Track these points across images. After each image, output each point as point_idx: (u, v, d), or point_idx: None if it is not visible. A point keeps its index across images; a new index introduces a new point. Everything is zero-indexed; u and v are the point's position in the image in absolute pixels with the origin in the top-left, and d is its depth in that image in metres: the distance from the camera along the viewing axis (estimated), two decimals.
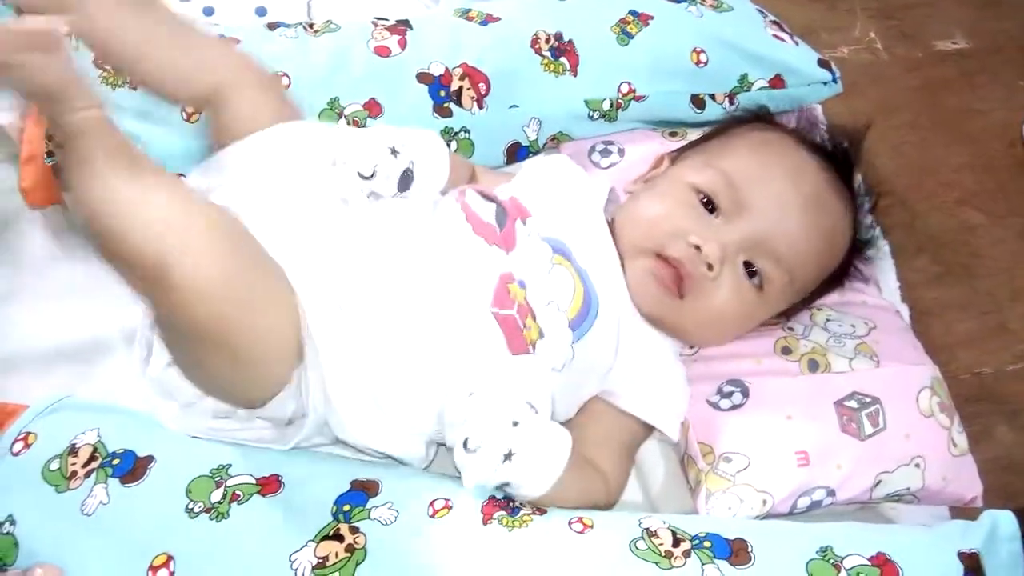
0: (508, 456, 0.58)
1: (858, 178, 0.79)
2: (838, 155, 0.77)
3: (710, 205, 0.71)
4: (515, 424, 0.59)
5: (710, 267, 0.69)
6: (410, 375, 0.63)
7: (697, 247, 0.68)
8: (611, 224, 0.74)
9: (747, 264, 0.70)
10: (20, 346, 0.73)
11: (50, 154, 0.78)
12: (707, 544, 0.58)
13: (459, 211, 0.70)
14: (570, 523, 0.59)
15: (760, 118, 0.81)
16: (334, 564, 0.56)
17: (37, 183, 0.78)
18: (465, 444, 0.59)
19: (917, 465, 0.71)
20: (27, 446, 0.63)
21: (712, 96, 0.89)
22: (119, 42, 0.69)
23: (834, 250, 0.75)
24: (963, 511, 0.75)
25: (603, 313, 0.68)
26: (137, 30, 0.68)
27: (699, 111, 0.89)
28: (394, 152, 0.69)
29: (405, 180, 0.69)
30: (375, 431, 0.63)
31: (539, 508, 0.61)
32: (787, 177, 0.72)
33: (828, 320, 0.79)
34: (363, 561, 0.56)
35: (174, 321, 0.57)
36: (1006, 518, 0.61)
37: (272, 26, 0.88)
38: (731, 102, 0.89)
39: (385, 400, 0.63)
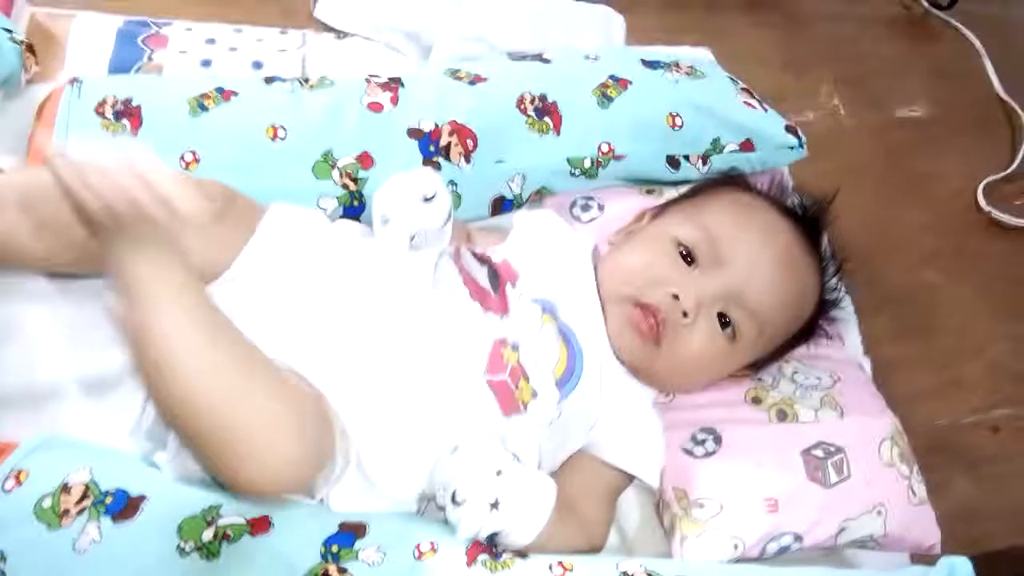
0: (495, 505, 0.61)
1: (825, 241, 0.84)
2: (807, 218, 0.82)
3: (689, 257, 0.75)
4: (499, 473, 0.62)
5: (685, 315, 0.73)
6: (403, 442, 0.66)
7: (675, 296, 0.73)
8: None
9: (721, 315, 0.74)
10: (13, 384, 0.74)
11: None
12: None
13: (457, 274, 0.73)
14: (550, 566, 0.61)
15: (737, 181, 0.87)
16: None
17: None
18: (453, 497, 0.61)
19: (879, 512, 0.75)
20: (19, 483, 0.64)
21: (687, 157, 0.94)
22: None
23: (802, 306, 0.79)
24: (922, 558, 0.78)
25: (587, 369, 0.72)
26: None
27: (674, 171, 0.94)
28: (427, 200, 0.72)
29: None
30: (366, 501, 0.65)
31: (519, 552, 0.64)
32: (761, 236, 0.77)
33: (795, 372, 0.83)
34: None
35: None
36: (962, 564, 0.64)
37: (269, 80, 0.91)
38: (704, 163, 0.95)
39: (376, 470, 0.65)
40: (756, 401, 0.79)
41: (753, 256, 0.75)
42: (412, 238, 0.72)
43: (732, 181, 0.87)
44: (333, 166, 0.85)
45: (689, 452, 0.75)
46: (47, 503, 0.63)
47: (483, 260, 0.75)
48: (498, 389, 0.68)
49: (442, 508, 0.63)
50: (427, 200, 0.72)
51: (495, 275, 0.74)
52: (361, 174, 0.86)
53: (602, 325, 0.75)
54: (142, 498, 0.63)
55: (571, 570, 0.61)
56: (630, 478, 0.75)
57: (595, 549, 0.70)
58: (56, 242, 0.68)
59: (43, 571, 0.59)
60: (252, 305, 0.68)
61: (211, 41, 1.03)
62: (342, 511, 0.64)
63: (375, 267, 0.73)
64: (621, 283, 0.75)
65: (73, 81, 0.88)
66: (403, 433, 0.66)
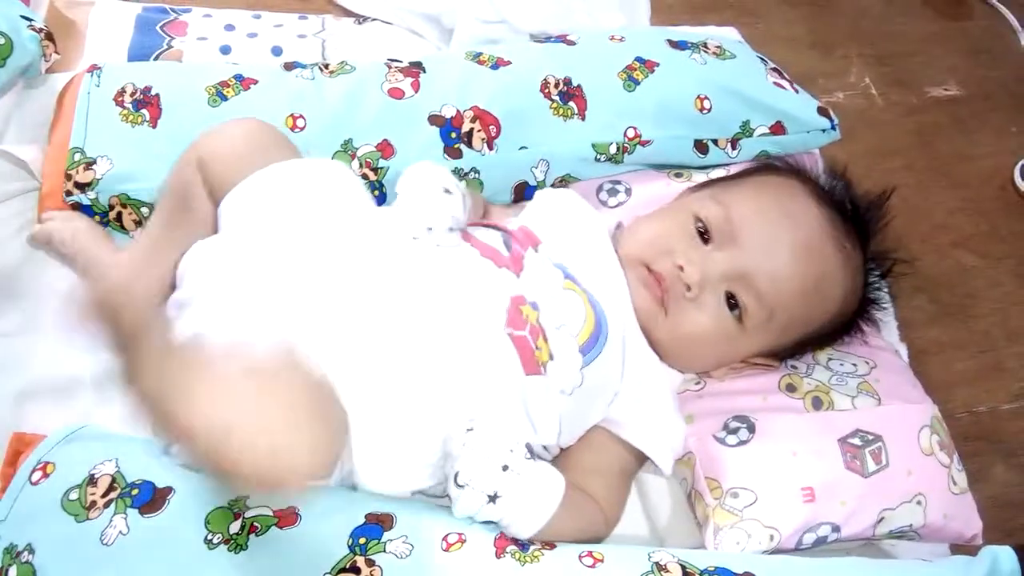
0: (493, 498, 0.61)
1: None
2: (852, 214, 0.79)
3: (706, 234, 0.74)
4: (504, 468, 0.61)
5: (689, 288, 0.71)
6: (426, 400, 0.65)
7: (680, 267, 0.71)
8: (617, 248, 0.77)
9: (730, 296, 0.73)
10: (38, 376, 0.74)
11: (68, 193, 0.80)
12: None
13: (461, 241, 0.72)
14: (580, 557, 0.60)
15: (787, 167, 0.84)
16: None
17: None
18: (456, 478, 0.61)
19: (919, 502, 0.72)
20: (45, 475, 0.64)
21: (715, 141, 0.92)
22: None
23: (824, 299, 0.76)
24: (962, 548, 0.76)
25: (611, 339, 0.70)
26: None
27: (702, 156, 0.92)
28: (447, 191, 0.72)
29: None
30: (392, 473, 0.64)
31: (548, 544, 0.62)
32: (784, 221, 0.74)
33: (830, 359, 0.81)
34: None
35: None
36: (1006, 554, 0.62)
37: (288, 66, 0.90)
38: (734, 147, 0.92)
39: (399, 432, 0.64)
40: (791, 389, 0.77)
41: (769, 239, 0.73)
42: (429, 229, 0.70)
43: (777, 166, 0.84)
44: (353, 155, 0.84)
45: (721, 441, 0.74)
46: (74, 495, 0.62)
47: (494, 227, 0.75)
48: (519, 344, 0.66)
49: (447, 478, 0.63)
50: (447, 193, 0.72)
51: (508, 237, 0.73)
52: (381, 163, 0.85)
53: (627, 294, 0.74)
54: (169, 490, 0.62)
55: (602, 561, 0.60)
56: (642, 460, 0.73)
57: (607, 532, 0.68)
58: None
59: (71, 564, 0.59)
60: (258, 267, 0.67)
61: (230, 27, 1.02)
62: (367, 488, 0.63)
63: (377, 228, 0.72)
64: (635, 249, 0.76)
65: (93, 69, 0.87)
66: (426, 390, 0.64)
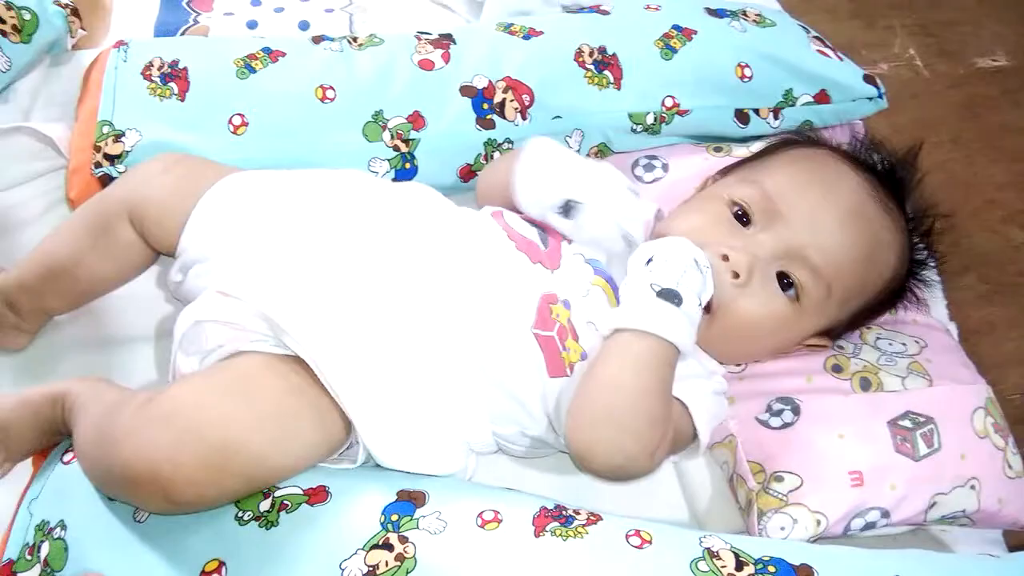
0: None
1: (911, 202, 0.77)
2: (887, 174, 0.76)
3: (744, 218, 0.70)
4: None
5: (736, 275, 0.67)
6: (449, 390, 0.64)
7: (725, 256, 0.68)
8: None
9: (782, 276, 0.69)
10: (78, 357, 0.74)
11: (97, 165, 0.79)
12: (771, 569, 0.56)
13: (500, 230, 0.69)
14: (627, 536, 0.58)
15: (806, 138, 0.81)
16: (384, 572, 0.55)
17: (84, 193, 0.79)
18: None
19: (972, 487, 0.69)
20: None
21: (756, 111, 0.88)
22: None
23: (878, 264, 0.73)
24: (1016, 534, 0.73)
25: None
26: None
27: (743, 126, 0.89)
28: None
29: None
30: (413, 453, 0.63)
31: (593, 516, 0.60)
32: (823, 188, 0.71)
33: (878, 339, 0.77)
34: (413, 570, 0.55)
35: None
36: None
37: (317, 39, 0.89)
38: (776, 117, 0.89)
39: (421, 417, 0.63)
40: (837, 369, 0.74)
41: (813, 208, 0.69)
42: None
43: (798, 139, 0.81)
44: (384, 127, 0.82)
45: (764, 423, 0.71)
46: None
47: (531, 220, 0.72)
48: (545, 345, 0.64)
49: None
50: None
51: (545, 232, 0.70)
52: (412, 135, 0.83)
53: None
54: None
55: (650, 543, 0.57)
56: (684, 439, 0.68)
57: (654, 464, 0.62)
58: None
59: (104, 539, 0.58)
60: (281, 237, 0.66)
61: (256, 2, 1.01)
62: (391, 466, 0.62)
63: (408, 216, 0.70)
64: None
65: (119, 44, 0.86)
66: (447, 383, 0.63)
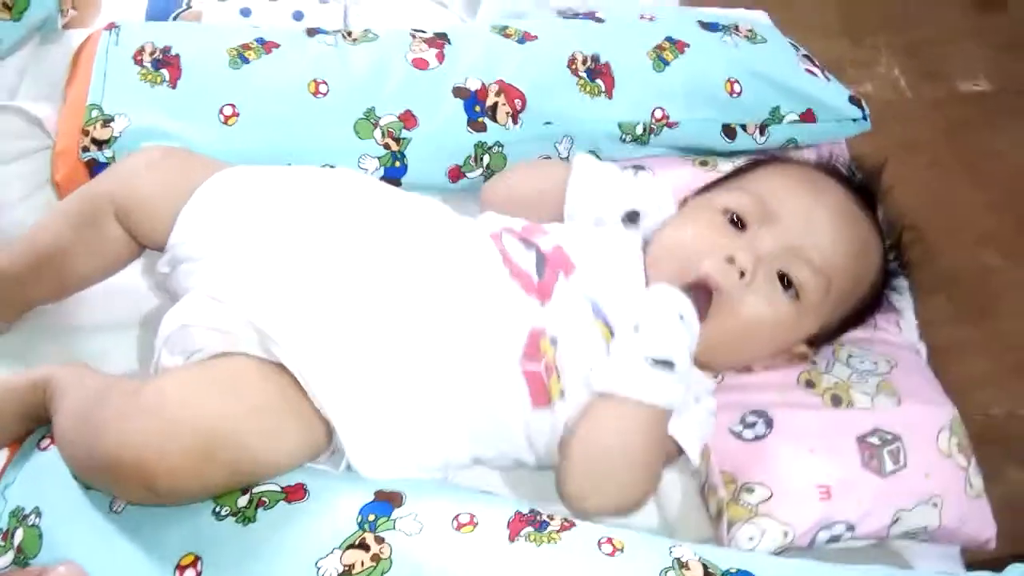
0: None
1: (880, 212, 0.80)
2: (859, 188, 0.78)
3: (739, 223, 0.72)
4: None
5: (742, 274, 0.69)
6: (431, 413, 0.64)
7: (730, 260, 0.69)
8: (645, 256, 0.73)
9: (782, 276, 0.70)
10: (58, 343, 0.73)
11: (85, 149, 0.78)
12: None
13: (497, 254, 0.69)
14: (600, 543, 0.59)
15: (780, 157, 0.84)
16: (360, 572, 0.56)
17: (70, 177, 0.79)
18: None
19: (935, 504, 0.71)
20: (54, 441, 0.63)
21: (743, 127, 0.90)
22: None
23: (867, 263, 0.75)
24: (974, 552, 0.75)
25: None
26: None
27: (730, 141, 0.90)
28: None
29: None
30: (392, 466, 0.64)
31: (567, 522, 0.61)
32: (814, 194, 0.74)
33: (850, 356, 0.79)
34: (388, 571, 0.56)
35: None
36: None
37: (311, 32, 0.89)
38: (762, 133, 0.90)
39: (402, 435, 0.64)
40: (810, 385, 0.76)
41: (807, 209, 0.72)
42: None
43: (779, 156, 0.84)
44: (375, 124, 0.83)
45: (738, 435, 0.72)
46: None
47: (529, 244, 0.71)
48: (531, 379, 0.65)
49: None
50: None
51: (542, 260, 0.70)
52: (404, 134, 0.83)
53: None
54: None
55: (621, 551, 0.59)
56: (672, 454, 0.71)
57: (643, 501, 0.67)
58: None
59: (79, 528, 0.59)
60: (274, 242, 0.66)
61: None
62: (372, 477, 0.63)
63: (403, 227, 0.70)
64: (667, 260, 0.71)
65: (111, 27, 0.86)
66: (432, 404, 0.64)
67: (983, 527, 0.74)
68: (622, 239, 0.75)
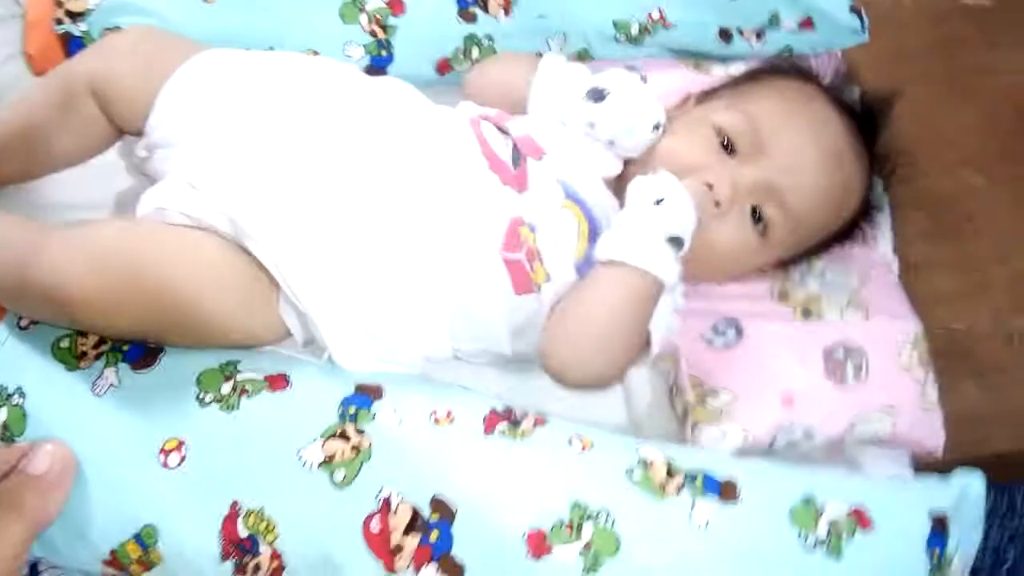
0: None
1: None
2: (863, 115, 0.77)
3: (729, 146, 0.71)
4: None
5: (718, 204, 0.69)
6: (412, 307, 0.65)
7: (709, 185, 0.69)
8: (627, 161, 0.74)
9: (754, 209, 0.71)
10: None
11: (58, 21, 0.75)
12: (698, 482, 0.61)
13: (476, 144, 0.69)
14: (570, 440, 0.62)
15: (792, 68, 0.81)
16: (340, 462, 0.58)
17: (43, 49, 0.75)
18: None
19: (889, 414, 0.75)
20: (34, 320, 0.63)
21: (740, 31, 0.88)
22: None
23: (842, 208, 0.76)
24: (930, 465, 0.79)
25: None
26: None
27: (725, 44, 0.88)
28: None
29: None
30: (371, 359, 0.65)
31: (539, 418, 0.64)
32: (810, 130, 0.73)
33: (824, 270, 0.81)
34: (367, 461, 0.58)
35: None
36: (976, 480, 0.65)
37: None
38: (758, 38, 0.88)
39: (382, 330, 0.65)
40: (783, 296, 0.78)
41: (797, 150, 0.71)
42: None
43: (787, 68, 0.81)
44: (361, 9, 0.80)
45: (709, 342, 0.75)
46: (65, 343, 0.62)
47: (505, 132, 0.71)
48: (513, 268, 0.66)
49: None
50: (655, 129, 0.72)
51: (516, 150, 0.70)
52: (391, 20, 0.80)
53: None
54: (160, 350, 0.62)
55: (591, 447, 0.61)
56: None
57: (620, 375, 0.69)
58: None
59: (62, 410, 0.60)
60: (252, 126, 0.65)
61: None
62: (352, 370, 0.64)
63: (383, 117, 0.69)
64: (657, 164, 0.71)
65: None
66: (412, 298, 0.65)
67: (933, 437, 0.78)
68: (649, 106, 0.73)
